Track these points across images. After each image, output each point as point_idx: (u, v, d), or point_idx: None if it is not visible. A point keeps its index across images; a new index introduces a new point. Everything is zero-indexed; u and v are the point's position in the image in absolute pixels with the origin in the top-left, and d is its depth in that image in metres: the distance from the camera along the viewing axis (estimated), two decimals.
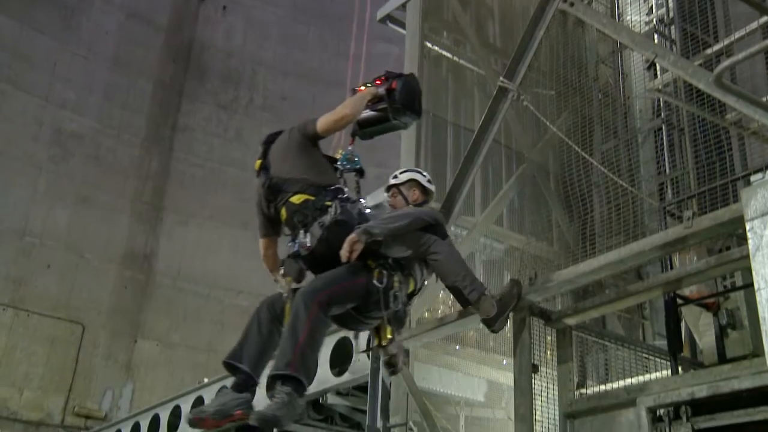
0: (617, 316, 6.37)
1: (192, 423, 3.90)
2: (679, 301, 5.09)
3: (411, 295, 4.36)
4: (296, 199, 4.20)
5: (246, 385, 3.95)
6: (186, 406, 8.53)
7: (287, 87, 18.28)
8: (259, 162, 4.47)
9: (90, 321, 15.41)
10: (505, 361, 6.33)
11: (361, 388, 6.22)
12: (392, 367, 4.35)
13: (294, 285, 4.14)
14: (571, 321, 4.86)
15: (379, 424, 5.54)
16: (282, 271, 4.23)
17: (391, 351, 4.29)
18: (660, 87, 6.10)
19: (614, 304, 4.76)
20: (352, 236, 3.95)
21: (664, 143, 5.97)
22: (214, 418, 3.80)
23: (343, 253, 3.92)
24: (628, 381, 4.75)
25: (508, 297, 4.38)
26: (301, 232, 4.14)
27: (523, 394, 4.68)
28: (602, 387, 4.89)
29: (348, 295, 4.08)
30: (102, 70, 16.65)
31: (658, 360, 5.15)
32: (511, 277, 5.37)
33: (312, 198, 4.17)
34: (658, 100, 6.24)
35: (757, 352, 4.89)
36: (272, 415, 3.57)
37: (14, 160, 15.24)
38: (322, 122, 4.30)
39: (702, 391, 3.84)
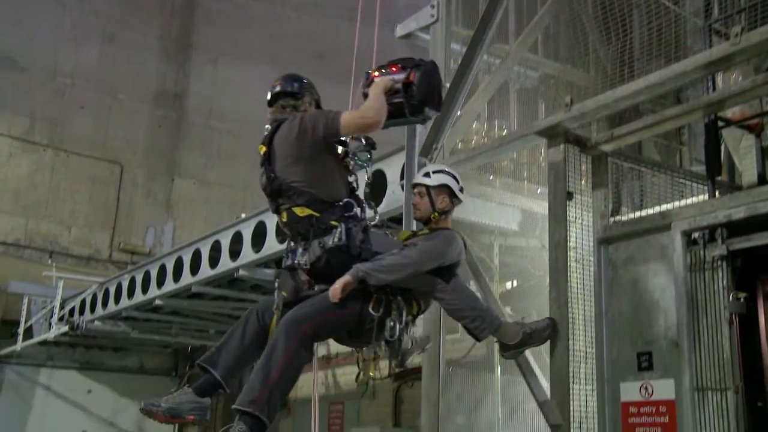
0: (654, 143, 6.25)
1: (143, 412, 3.80)
2: (721, 123, 4.95)
3: (416, 316, 4.14)
4: (300, 211, 3.92)
5: (210, 389, 3.86)
6: (225, 241, 8.77)
7: None
8: (263, 149, 4.07)
9: (127, 161, 15.69)
10: (539, 190, 6.30)
11: (397, 220, 6.28)
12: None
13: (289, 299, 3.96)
14: (606, 147, 4.77)
15: None
16: (276, 284, 4.03)
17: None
18: None
19: (652, 128, 4.63)
20: (347, 278, 3.75)
21: None
22: (165, 415, 3.74)
23: (334, 296, 3.74)
24: (664, 207, 4.70)
25: (538, 336, 4.26)
26: (301, 245, 3.93)
27: (558, 221, 4.68)
28: (637, 213, 4.87)
29: (337, 325, 3.92)
30: None
31: (694, 185, 5.08)
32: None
33: (317, 215, 3.89)
34: None
35: None
36: None
37: None
38: (346, 123, 3.87)
39: (739, 213, 3.79)
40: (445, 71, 6.08)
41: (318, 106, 4.25)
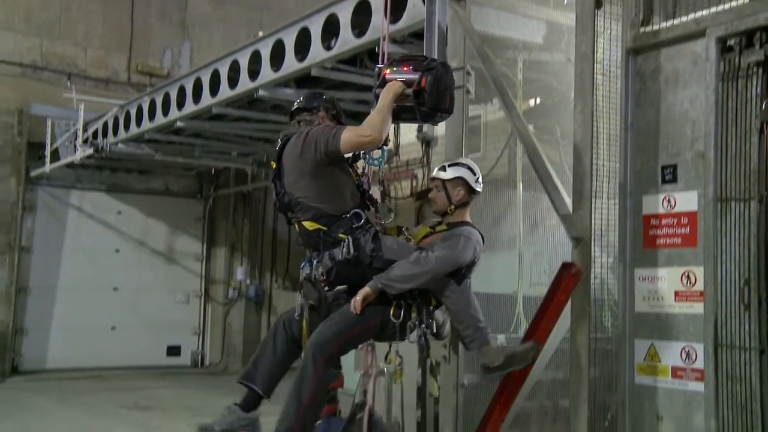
0: None
1: None
2: None
3: (435, 307, 4.27)
4: (308, 225, 4.03)
5: (255, 403, 4.11)
6: (243, 60, 8.61)
7: None
8: (273, 164, 4.17)
9: None
10: (566, 0, 6.03)
11: (418, 35, 6.07)
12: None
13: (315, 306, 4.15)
14: None
15: None
16: (302, 293, 4.18)
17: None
18: None
19: None
20: (367, 290, 3.91)
21: None
22: None
23: (355, 308, 3.90)
24: (699, 13, 4.48)
25: (520, 358, 4.26)
26: (315, 257, 4.06)
27: (585, 32, 4.51)
28: (669, 22, 4.64)
29: (361, 338, 4.12)
30: None
31: None
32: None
33: (324, 228, 3.98)
34: None
35: None
36: None
37: None
38: (345, 142, 3.89)
39: None
40: None
41: (337, 119, 4.33)
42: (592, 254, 4.51)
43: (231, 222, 15.71)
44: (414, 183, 11.36)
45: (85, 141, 12.18)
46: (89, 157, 12.29)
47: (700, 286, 3.98)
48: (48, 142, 12.98)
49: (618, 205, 4.48)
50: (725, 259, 3.85)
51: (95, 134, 12.20)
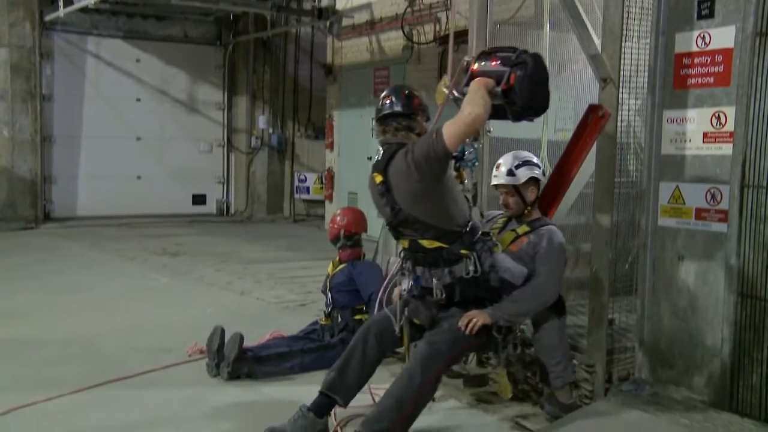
0: None
1: None
2: None
3: None
4: (427, 243, 3.82)
5: (329, 408, 3.99)
6: None
7: None
8: (380, 177, 3.81)
9: None
10: None
11: None
12: None
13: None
14: None
15: None
16: (405, 312, 3.95)
17: None
18: None
19: None
20: (487, 319, 3.85)
21: None
22: None
23: (469, 330, 3.81)
24: None
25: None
26: (429, 273, 3.86)
27: None
28: None
29: (467, 353, 4.27)
30: None
31: None
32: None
33: (446, 246, 3.79)
34: None
35: None
36: None
37: None
38: (450, 136, 3.54)
39: None
40: None
41: (428, 117, 4.02)
42: (620, 97, 4.40)
43: (251, 70, 15.52)
44: (437, 27, 11.02)
45: None
46: (103, 0, 11.96)
47: (730, 126, 3.89)
48: None
49: (649, 44, 4.31)
50: (759, 97, 3.73)
51: None
